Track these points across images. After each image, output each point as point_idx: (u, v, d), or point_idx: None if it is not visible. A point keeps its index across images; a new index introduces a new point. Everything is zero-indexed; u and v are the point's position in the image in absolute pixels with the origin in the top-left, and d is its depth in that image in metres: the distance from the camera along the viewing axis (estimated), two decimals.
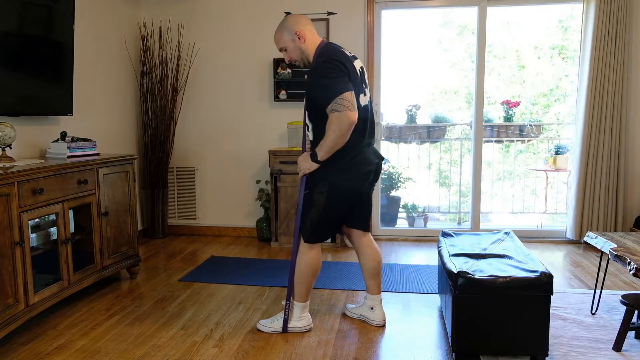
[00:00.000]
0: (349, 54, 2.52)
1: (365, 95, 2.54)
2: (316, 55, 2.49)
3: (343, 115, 2.30)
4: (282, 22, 2.56)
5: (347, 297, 3.16)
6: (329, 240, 4.38)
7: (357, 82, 2.46)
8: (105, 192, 3.20)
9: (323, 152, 2.41)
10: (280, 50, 2.59)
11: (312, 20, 4.45)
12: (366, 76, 2.61)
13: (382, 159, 2.67)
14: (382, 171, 5.07)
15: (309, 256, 2.58)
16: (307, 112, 2.54)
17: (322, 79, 2.38)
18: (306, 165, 2.49)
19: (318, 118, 2.44)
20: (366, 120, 2.53)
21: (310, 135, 2.57)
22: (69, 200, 2.88)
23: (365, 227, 2.74)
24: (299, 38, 2.50)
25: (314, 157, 2.45)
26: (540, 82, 6.49)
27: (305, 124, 2.61)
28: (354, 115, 2.33)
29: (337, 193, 2.50)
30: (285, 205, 4.29)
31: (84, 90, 3.79)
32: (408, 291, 3.26)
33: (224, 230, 4.82)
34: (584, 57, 4.18)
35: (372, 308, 2.76)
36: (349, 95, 2.32)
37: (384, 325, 2.73)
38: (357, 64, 2.54)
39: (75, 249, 2.98)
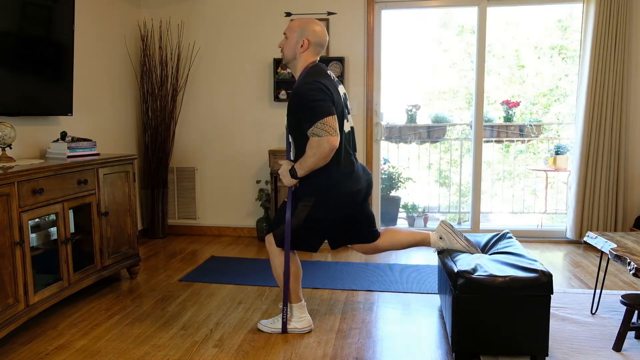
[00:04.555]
0: (334, 79, 2.51)
1: (348, 121, 2.53)
2: (303, 74, 2.46)
3: (323, 141, 2.29)
4: (307, 19, 2.52)
5: (347, 297, 3.16)
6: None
7: (341, 107, 2.44)
8: (105, 192, 3.20)
9: (302, 171, 2.42)
10: (284, 33, 2.54)
11: None
12: (348, 102, 2.60)
13: (370, 174, 2.67)
14: (382, 171, 5.08)
15: (281, 259, 2.57)
16: (289, 128, 2.50)
17: (306, 101, 2.35)
18: (286, 180, 2.49)
19: (299, 136, 2.43)
20: (349, 145, 2.52)
21: (292, 149, 2.55)
22: (69, 200, 2.88)
23: (372, 238, 2.72)
24: (301, 45, 2.47)
25: (293, 173, 2.45)
26: (540, 82, 6.49)
27: (287, 135, 2.59)
28: (335, 140, 2.31)
29: (321, 209, 2.49)
30: None
31: (84, 90, 3.79)
32: (408, 291, 3.26)
33: (224, 230, 4.82)
34: (584, 57, 4.18)
35: (440, 237, 2.68)
36: (331, 119, 2.30)
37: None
38: (341, 90, 2.53)
39: (75, 249, 2.98)
